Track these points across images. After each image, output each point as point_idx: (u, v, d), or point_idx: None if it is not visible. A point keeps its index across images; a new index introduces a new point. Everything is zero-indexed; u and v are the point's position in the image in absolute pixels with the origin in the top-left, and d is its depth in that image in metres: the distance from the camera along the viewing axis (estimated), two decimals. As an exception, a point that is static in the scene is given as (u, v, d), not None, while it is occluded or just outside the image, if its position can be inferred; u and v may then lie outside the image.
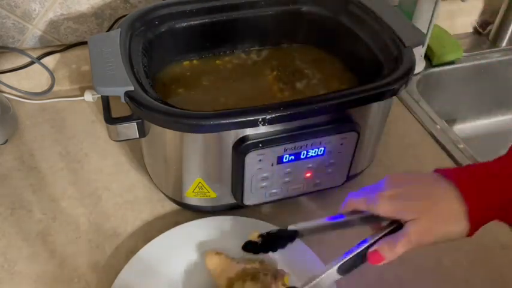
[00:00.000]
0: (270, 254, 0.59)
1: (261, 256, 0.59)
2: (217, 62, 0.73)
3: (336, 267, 0.46)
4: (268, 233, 0.50)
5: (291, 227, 0.49)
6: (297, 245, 0.60)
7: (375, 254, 0.45)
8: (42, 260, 0.60)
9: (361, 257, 0.47)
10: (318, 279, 0.47)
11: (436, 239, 0.43)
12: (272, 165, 0.58)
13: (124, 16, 0.66)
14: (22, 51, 0.81)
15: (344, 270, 0.47)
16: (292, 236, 0.49)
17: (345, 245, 0.63)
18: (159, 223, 0.65)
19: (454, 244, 0.63)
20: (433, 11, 0.85)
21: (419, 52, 0.92)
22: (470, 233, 0.42)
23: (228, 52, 0.74)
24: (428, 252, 0.63)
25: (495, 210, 0.42)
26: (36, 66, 0.82)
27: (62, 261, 0.60)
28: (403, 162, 0.76)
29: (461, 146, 0.78)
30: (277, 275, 0.53)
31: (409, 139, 0.80)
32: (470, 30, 1.10)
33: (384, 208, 0.44)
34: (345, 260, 0.47)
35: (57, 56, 0.83)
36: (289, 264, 0.57)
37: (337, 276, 0.47)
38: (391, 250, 0.44)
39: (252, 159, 0.55)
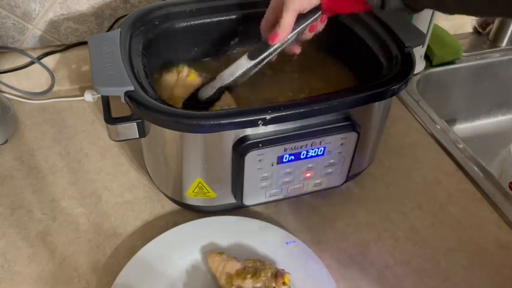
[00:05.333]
0: (270, 254, 0.59)
1: (262, 255, 0.59)
2: (216, 63, 0.73)
3: (245, 55, 0.59)
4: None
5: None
6: (297, 245, 0.60)
7: (271, 35, 0.57)
8: (42, 260, 0.60)
9: (264, 42, 0.58)
10: (232, 66, 0.59)
11: (305, 7, 0.56)
12: (272, 165, 0.58)
13: (124, 16, 0.66)
14: (22, 51, 0.81)
15: (253, 56, 0.59)
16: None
17: (345, 245, 0.63)
18: (159, 223, 0.65)
19: (454, 244, 0.64)
20: (433, 11, 0.85)
21: (419, 52, 0.92)
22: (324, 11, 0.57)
23: (228, 53, 0.73)
24: (428, 252, 0.63)
25: None
26: (36, 66, 0.82)
27: (62, 261, 0.60)
28: (403, 162, 0.76)
29: (461, 146, 0.78)
30: (277, 274, 0.53)
31: (409, 139, 0.80)
32: (470, 30, 1.10)
33: None
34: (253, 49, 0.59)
35: (57, 56, 0.83)
36: (289, 264, 0.57)
37: (249, 63, 0.59)
38: (279, 25, 0.56)
39: (252, 159, 0.55)
